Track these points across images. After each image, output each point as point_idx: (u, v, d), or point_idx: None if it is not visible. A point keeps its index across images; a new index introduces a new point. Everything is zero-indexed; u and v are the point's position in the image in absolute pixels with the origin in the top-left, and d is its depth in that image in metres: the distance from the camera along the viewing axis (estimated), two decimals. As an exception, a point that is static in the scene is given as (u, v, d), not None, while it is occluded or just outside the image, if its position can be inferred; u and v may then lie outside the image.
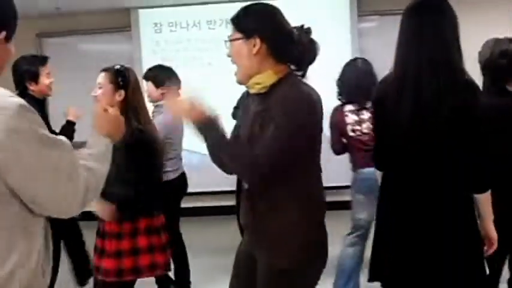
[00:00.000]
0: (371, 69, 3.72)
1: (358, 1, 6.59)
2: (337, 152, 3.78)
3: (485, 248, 2.30)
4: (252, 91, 2.08)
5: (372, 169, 3.32)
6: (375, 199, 2.69)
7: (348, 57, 6.35)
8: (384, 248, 2.36)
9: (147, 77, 4.14)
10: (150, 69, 4.24)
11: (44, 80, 3.73)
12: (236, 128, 2.27)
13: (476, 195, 2.22)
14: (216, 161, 2.13)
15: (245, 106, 2.21)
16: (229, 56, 2.11)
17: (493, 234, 2.29)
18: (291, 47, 2.06)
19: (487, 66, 2.73)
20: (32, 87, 3.66)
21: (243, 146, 2.05)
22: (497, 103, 2.64)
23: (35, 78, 3.68)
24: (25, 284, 1.51)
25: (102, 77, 2.94)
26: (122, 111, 2.85)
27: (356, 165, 3.71)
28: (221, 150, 2.02)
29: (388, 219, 2.35)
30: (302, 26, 2.14)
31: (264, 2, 2.13)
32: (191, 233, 4.48)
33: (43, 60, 3.82)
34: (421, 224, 2.22)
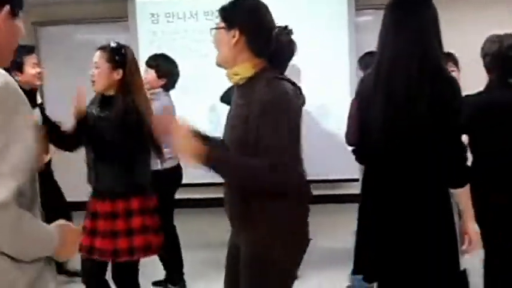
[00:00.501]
0: None
1: (356, -5, 6.60)
2: (351, 143, 3.70)
3: (464, 246, 2.26)
4: (231, 81, 2.18)
5: None
6: None
7: (345, 51, 6.42)
8: (365, 242, 2.38)
9: (150, 65, 4.14)
10: (154, 58, 4.23)
11: (30, 70, 3.70)
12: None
13: (455, 191, 2.20)
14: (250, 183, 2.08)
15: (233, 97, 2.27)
16: (213, 42, 2.20)
17: (472, 232, 2.25)
18: (268, 44, 2.14)
19: (495, 60, 2.71)
20: (18, 77, 3.61)
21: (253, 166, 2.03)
22: (507, 96, 2.64)
23: (19, 68, 3.65)
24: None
25: (98, 56, 2.91)
26: (120, 89, 2.86)
27: None
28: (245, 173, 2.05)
29: (368, 213, 2.37)
30: (286, 26, 2.25)
31: None
32: (183, 225, 4.47)
33: (29, 49, 3.78)
34: (398, 218, 2.24)
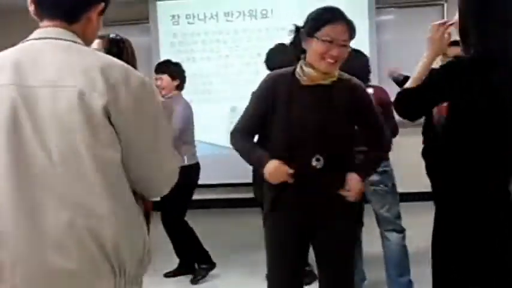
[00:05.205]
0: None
1: (377, -6, 6.58)
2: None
3: None
4: (323, 82, 2.42)
5: None
6: None
7: (365, 50, 6.36)
8: (436, 242, 2.26)
9: (163, 70, 4.33)
10: (162, 64, 4.45)
11: None
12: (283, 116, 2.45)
13: None
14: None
15: (292, 95, 2.44)
16: (336, 54, 2.35)
17: None
18: None
19: None
20: None
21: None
22: None
23: None
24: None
25: (96, 44, 3.01)
26: None
27: None
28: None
29: (443, 211, 2.25)
30: None
31: None
32: (199, 225, 4.53)
33: None
34: (484, 218, 2.11)
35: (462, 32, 2.16)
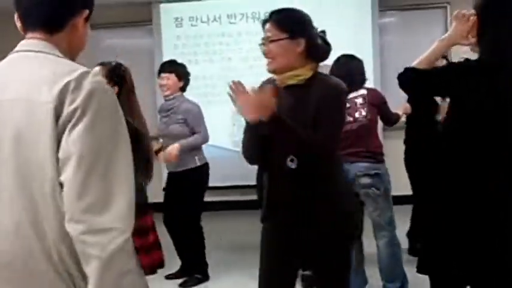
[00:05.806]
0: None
1: (380, -4, 6.60)
2: None
3: None
4: (289, 82, 2.39)
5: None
6: None
7: (368, 52, 6.39)
8: (436, 240, 2.25)
9: (170, 70, 4.32)
10: (169, 64, 4.44)
11: None
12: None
13: None
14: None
15: (277, 98, 2.40)
16: (266, 52, 2.36)
17: None
18: (322, 48, 2.41)
19: None
20: None
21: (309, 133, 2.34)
22: None
23: None
24: None
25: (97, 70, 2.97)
26: None
27: None
28: (297, 136, 2.31)
29: (443, 210, 2.23)
30: (316, 28, 2.41)
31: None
32: (206, 226, 4.53)
33: None
34: (484, 218, 2.11)
35: (479, 33, 2.18)
